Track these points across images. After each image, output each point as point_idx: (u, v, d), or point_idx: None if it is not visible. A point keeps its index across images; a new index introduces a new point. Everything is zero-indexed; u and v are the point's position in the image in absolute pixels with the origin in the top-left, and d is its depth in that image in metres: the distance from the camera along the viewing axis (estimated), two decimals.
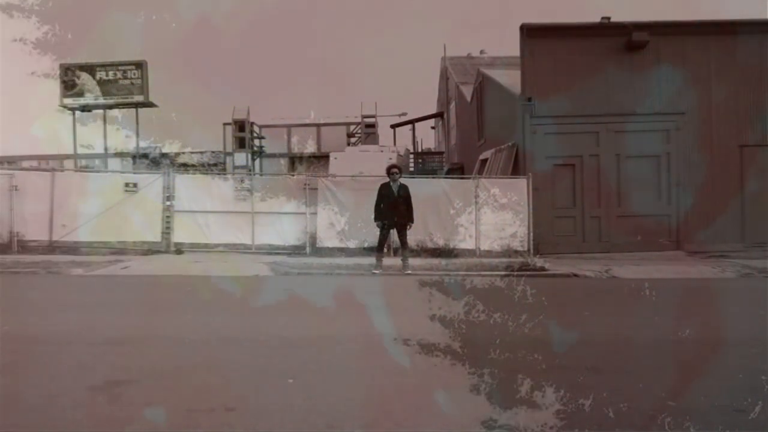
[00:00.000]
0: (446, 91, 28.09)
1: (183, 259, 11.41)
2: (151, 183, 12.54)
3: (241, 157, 26.27)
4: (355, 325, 6.02)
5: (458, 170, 21.49)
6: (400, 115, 31.11)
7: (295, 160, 31.51)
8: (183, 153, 32.64)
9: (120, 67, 25.45)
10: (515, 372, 4.54)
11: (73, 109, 25.46)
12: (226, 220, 12.46)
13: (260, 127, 29.38)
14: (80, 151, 26.17)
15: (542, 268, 10.58)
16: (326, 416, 3.65)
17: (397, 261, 10.47)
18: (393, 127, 30.12)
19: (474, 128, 20.06)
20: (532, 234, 12.30)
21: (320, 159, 26.73)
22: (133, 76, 25.25)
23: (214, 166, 31.56)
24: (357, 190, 12.38)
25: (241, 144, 26.32)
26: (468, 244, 12.30)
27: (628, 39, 12.74)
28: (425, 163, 28.93)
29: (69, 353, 4.95)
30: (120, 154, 27.20)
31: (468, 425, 3.54)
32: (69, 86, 25.15)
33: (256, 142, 28.42)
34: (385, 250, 10.85)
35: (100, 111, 25.79)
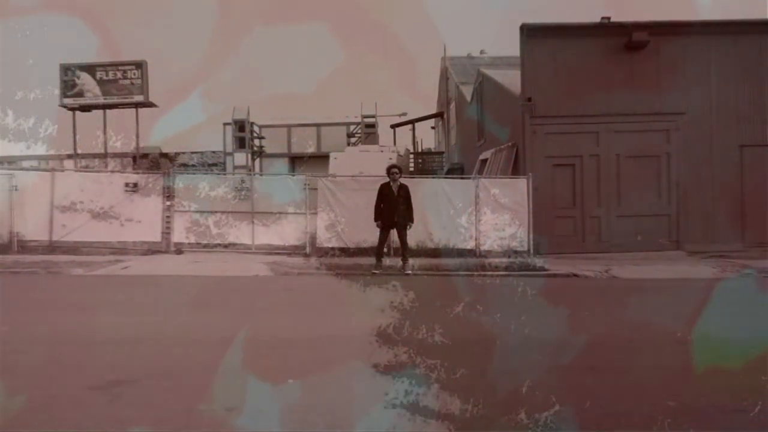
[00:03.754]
0: (446, 91, 28.08)
1: (183, 259, 11.41)
2: (151, 183, 12.54)
3: (241, 157, 26.22)
4: (354, 325, 6.02)
5: (458, 170, 21.49)
6: (400, 115, 31.10)
7: (295, 160, 31.50)
8: (183, 153, 32.65)
9: (120, 67, 25.39)
10: (515, 372, 4.54)
11: (73, 109, 25.44)
12: (226, 220, 12.45)
13: (260, 127, 29.36)
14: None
15: (542, 268, 10.58)
16: (326, 416, 3.65)
17: (397, 261, 10.47)
18: (393, 127, 30.11)
19: (474, 128, 20.05)
20: (532, 234, 12.29)
21: (320, 159, 26.69)
22: (133, 76, 25.21)
23: (214, 166, 31.57)
24: (357, 190, 12.37)
25: (241, 144, 26.28)
26: (468, 244, 12.29)
27: (628, 39, 12.73)
28: (425, 163, 28.93)
29: (69, 353, 4.95)
30: (120, 155, 27.19)
31: (468, 425, 3.54)
32: (69, 86, 25.12)
33: (256, 142, 28.38)
34: (385, 250, 10.85)
35: (100, 111, 25.76)
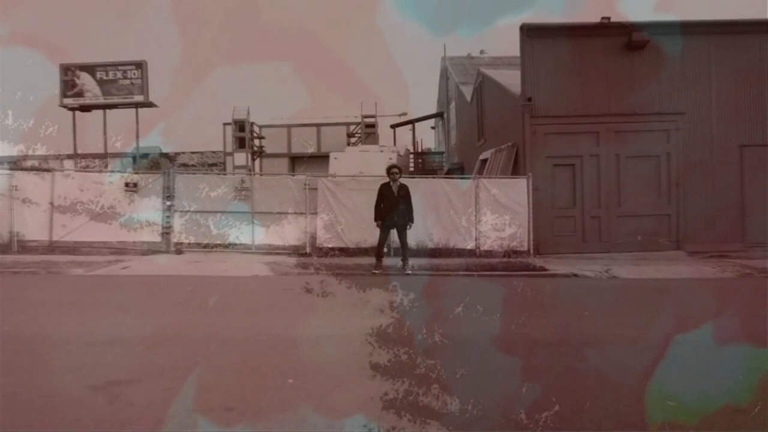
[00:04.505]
0: (446, 91, 28.09)
1: (183, 259, 11.41)
2: (151, 183, 12.55)
3: (241, 157, 26.21)
4: (354, 325, 6.02)
5: (458, 170, 21.50)
6: (400, 115, 31.12)
7: (295, 160, 31.48)
8: (183, 153, 32.64)
9: (120, 67, 25.42)
10: (515, 372, 4.54)
11: (73, 109, 25.46)
12: (226, 220, 12.45)
13: (260, 127, 29.36)
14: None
15: (542, 268, 10.58)
16: (326, 416, 3.65)
17: (397, 261, 10.47)
18: (393, 127, 30.12)
19: (474, 128, 20.06)
20: (532, 234, 12.29)
21: (320, 159, 26.69)
22: (133, 76, 25.23)
23: (214, 166, 31.56)
24: (357, 190, 12.37)
25: (241, 144, 26.27)
26: (468, 244, 12.29)
27: (628, 39, 12.74)
28: (425, 163, 28.94)
29: (69, 353, 4.95)
30: (120, 155, 27.20)
31: (468, 425, 3.54)
32: (69, 86, 25.14)
33: (256, 142, 28.38)
34: (385, 250, 10.84)
35: (100, 111, 25.78)
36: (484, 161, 16.84)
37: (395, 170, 10.43)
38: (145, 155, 28.14)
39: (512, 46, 13.10)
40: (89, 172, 17.37)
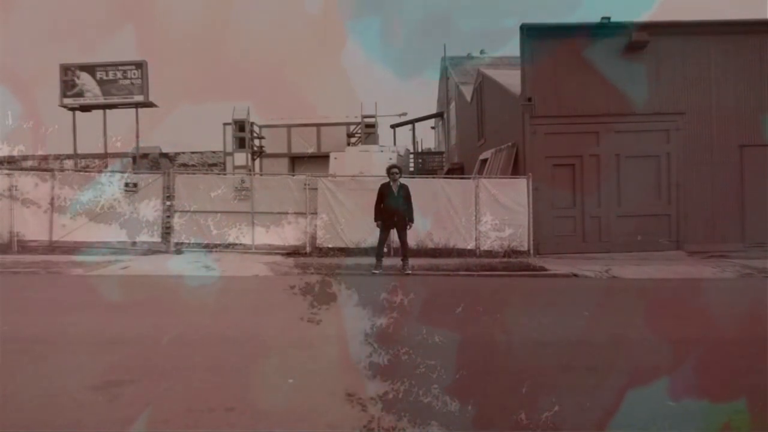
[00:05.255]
0: (446, 91, 28.09)
1: (183, 259, 11.41)
2: (151, 183, 12.54)
3: (241, 157, 26.17)
4: (354, 325, 6.02)
5: (458, 170, 21.49)
6: (400, 115, 31.11)
7: (295, 160, 31.46)
8: (183, 153, 32.63)
9: (120, 67, 25.39)
10: (515, 372, 4.55)
11: (73, 109, 25.44)
12: (226, 220, 12.45)
13: (260, 127, 29.34)
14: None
15: (542, 268, 10.58)
16: (326, 416, 3.65)
17: (397, 261, 10.46)
18: (393, 127, 30.11)
19: (474, 128, 20.06)
20: (532, 234, 12.30)
21: (320, 159, 26.67)
22: (133, 76, 25.21)
23: (214, 166, 31.55)
24: (357, 190, 12.38)
25: (241, 144, 26.23)
26: (468, 244, 12.29)
27: (628, 39, 12.74)
28: (425, 163, 28.93)
29: (69, 353, 4.95)
30: (120, 155, 27.17)
31: (468, 425, 3.54)
32: (69, 86, 25.13)
33: (256, 142, 28.35)
34: (385, 250, 10.84)
35: (100, 111, 25.77)
36: (484, 161, 16.84)
37: (395, 170, 10.44)
38: (145, 155, 28.11)
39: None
40: (89, 172, 17.38)
